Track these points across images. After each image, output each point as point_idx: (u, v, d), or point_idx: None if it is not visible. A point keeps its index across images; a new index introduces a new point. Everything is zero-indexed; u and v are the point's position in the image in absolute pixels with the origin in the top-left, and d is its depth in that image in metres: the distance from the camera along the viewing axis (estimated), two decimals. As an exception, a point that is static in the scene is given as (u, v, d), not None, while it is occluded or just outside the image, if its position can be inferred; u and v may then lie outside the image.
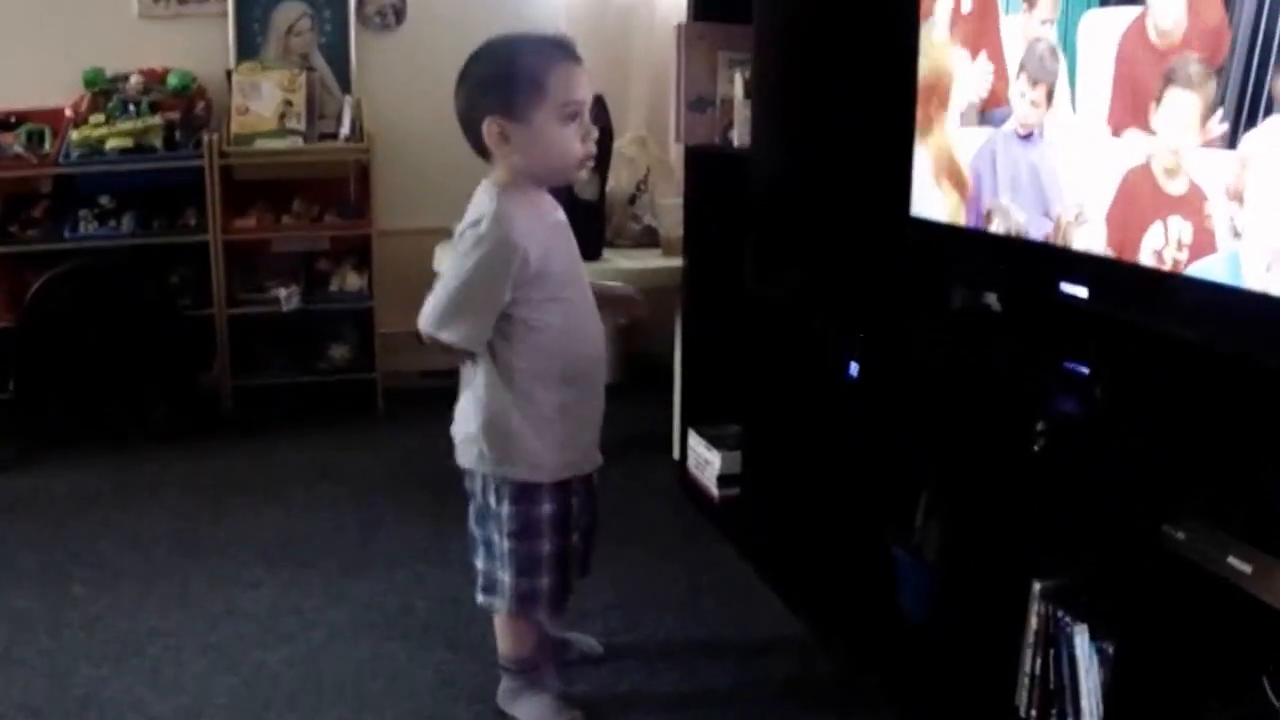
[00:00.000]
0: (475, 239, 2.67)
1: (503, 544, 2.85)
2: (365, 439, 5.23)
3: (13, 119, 5.49)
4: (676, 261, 4.62)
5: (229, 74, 5.66)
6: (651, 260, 4.88)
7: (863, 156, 3.57)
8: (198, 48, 5.72)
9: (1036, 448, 2.51)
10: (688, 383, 4.70)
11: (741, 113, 3.95)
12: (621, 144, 5.22)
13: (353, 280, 5.72)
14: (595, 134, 2.79)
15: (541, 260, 2.70)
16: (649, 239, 5.12)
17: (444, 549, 3.94)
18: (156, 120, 5.41)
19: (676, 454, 4.72)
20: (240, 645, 3.39)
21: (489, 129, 2.68)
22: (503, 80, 2.69)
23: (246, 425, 5.49)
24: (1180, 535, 2.06)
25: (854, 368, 3.32)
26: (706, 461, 4.32)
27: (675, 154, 4.66)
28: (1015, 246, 2.79)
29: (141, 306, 5.32)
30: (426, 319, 2.74)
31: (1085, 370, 2.60)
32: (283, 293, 5.58)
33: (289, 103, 5.54)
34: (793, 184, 3.72)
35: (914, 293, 3.36)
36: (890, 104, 3.32)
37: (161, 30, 5.73)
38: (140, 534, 4.16)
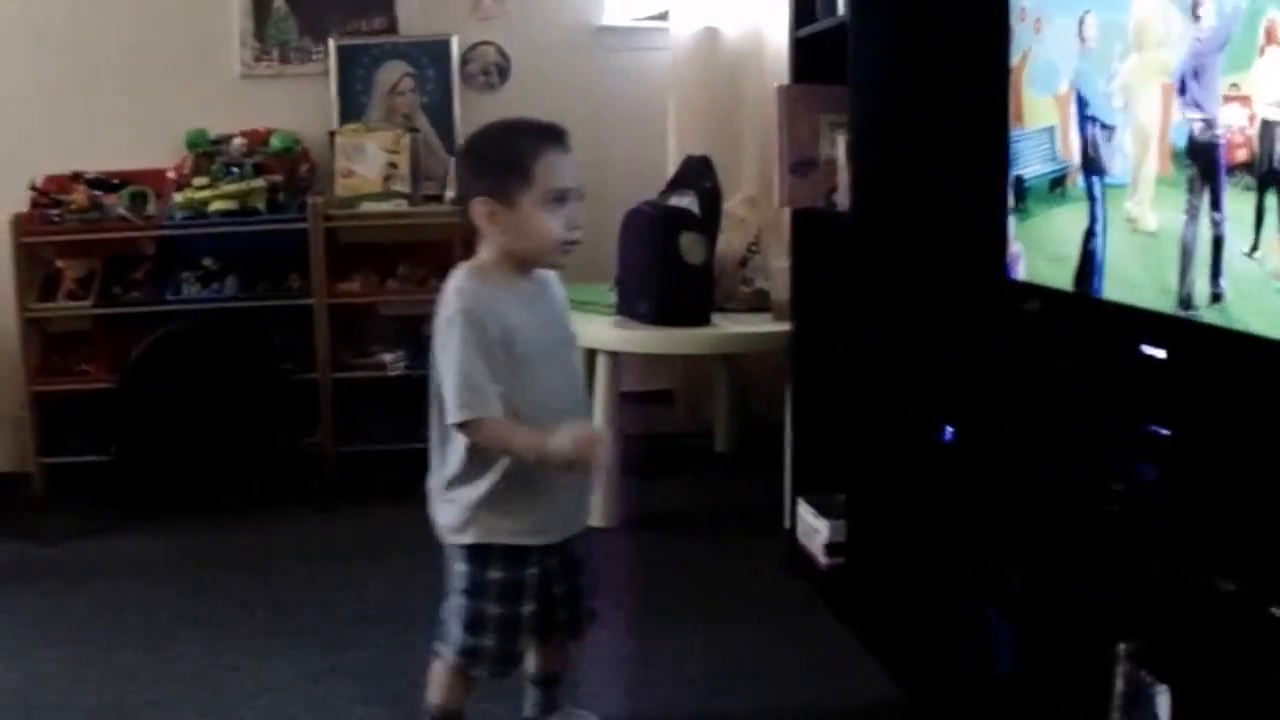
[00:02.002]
0: (446, 323, 3.00)
1: (458, 599, 3.16)
2: None
3: (116, 180, 5.83)
4: (788, 326, 4.74)
5: (332, 135, 5.99)
6: (761, 325, 5.06)
7: (960, 217, 3.81)
8: (300, 108, 6.08)
9: (1114, 508, 2.80)
10: (798, 451, 4.82)
11: (845, 175, 4.15)
12: (731, 204, 5.41)
13: (459, 346, 5.96)
14: (581, 222, 3.07)
15: (503, 331, 3.00)
16: (761, 302, 5.23)
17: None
18: (260, 182, 5.74)
19: (787, 523, 4.84)
20: (344, 702, 3.71)
21: (477, 209, 3.02)
22: (493, 164, 3.05)
23: (351, 491, 5.77)
24: (1230, 586, 2.35)
25: (949, 432, 3.59)
26: (815, 530, 4.47)
27: (788, 215, 4.81)
28: (1101, 308, 3.09)
29: (244, 370, 5.66)
30: (454, 415, 2.98)
31: (1166, 432, 2.87)
32: (388, 358, 5.89)
33: (393, 164, 5.85)
34: (892, 246, 3.95)
35: (1010, 354, 3.59)
36: (985, 162, 3.61)
37: (264, 91, 6.10)
38: (243, 595, 4.48)
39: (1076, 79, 3.16)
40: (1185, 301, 2.75)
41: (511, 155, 3.02)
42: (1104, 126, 3.05)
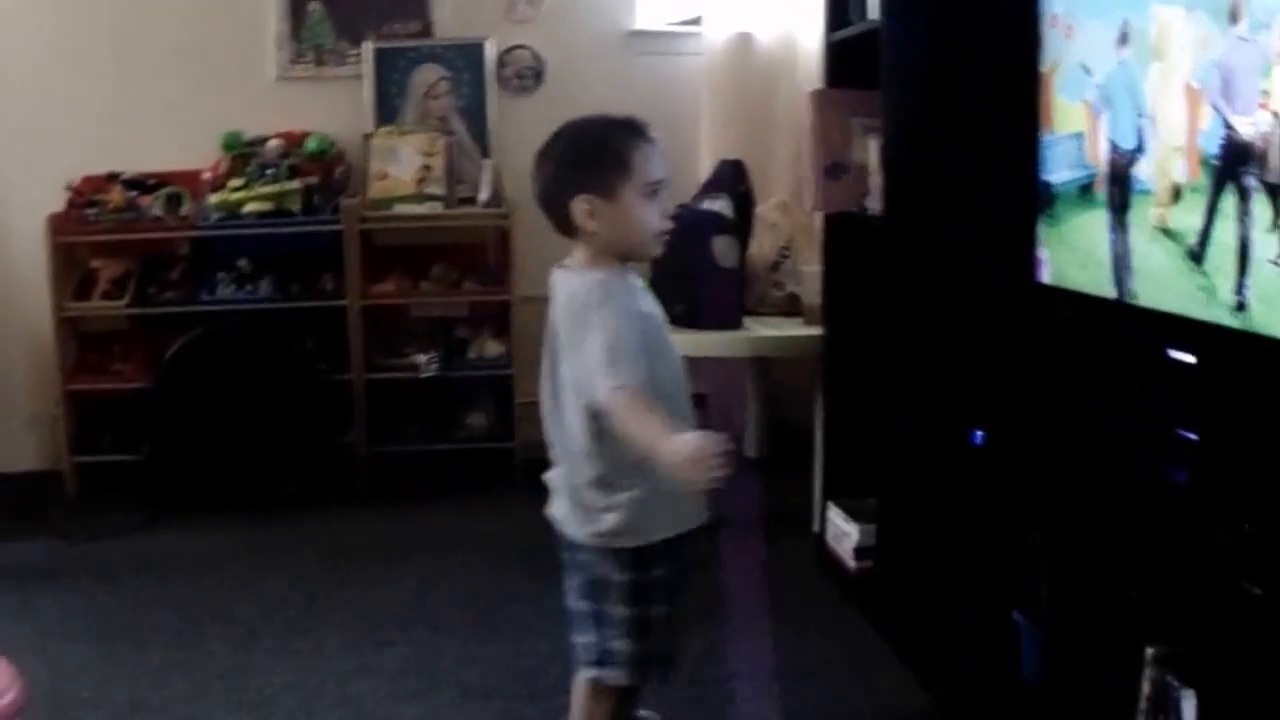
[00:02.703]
0: (586, 309, 2.91)
1: (618, 611, 3.01)
2: (502, 508, 5.45)
3: (152, 181, 5.85)
4: (819, 330, 4.75)
5: (367, 137, 6.00)
6: (793, 329, 5.07)
7: (991, 221, 3.77)
8: (336, 111, 6.10)
9: (1142, 512, 2.80)
10: (829, 455, 4.84)
11: (877, 179, 4.16)
12: (764, 209, 5.43)
13: (492, 347, 6.01)
14: (672, 210, 3.10)
15: (641, 316, 2.97)
16: (792, 307, 5.25)
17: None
18: (295, 184, 5.76)
19: (817, 526, 4.85)
20: (372, 700, 3.73)
21: (578, 207, 2.94)
22: (591, 160, 2.98)
23: (383, 491, 5.81)
24: (1257, 591, 2.35)
25: (979, 436, 3.59)
26: (845, 534, 4.47)
27: (820, 219, 4.83)
28: (1130, 312, 3.09)
29: (278, 371, 5.67)
30: (608, 382, 2.81)
31: (1194, 436, 2.87)
32: (421, 359, 5.89)
33: (428, 167, 5.86)
34: (923, 250, 3.94)
35: (1040, 358, 3.59)
36: (1016, 167, 3.60)
37: (299, 93, 6.13)
38: (275, 594, 4.49)
39: (1104, 85, 3.16)
40: (1212, 307, 2.75)
41: (609, 149, 2.98)
42: (1132, 133, 3.06)
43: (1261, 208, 2.55)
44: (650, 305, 3.06)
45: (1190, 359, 2.89)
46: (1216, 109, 2.69)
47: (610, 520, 2.96)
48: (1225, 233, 2.69)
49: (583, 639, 3.10)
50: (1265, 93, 2.52)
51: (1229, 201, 2.66)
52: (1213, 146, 2.70)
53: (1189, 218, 2.82)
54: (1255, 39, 2.55)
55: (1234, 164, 2.63)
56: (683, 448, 2.66)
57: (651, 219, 2.99)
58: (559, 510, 3.11)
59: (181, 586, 4.66)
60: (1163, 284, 2.94)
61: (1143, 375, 3.10)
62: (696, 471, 2.65)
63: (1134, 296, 3.08)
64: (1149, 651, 2.81)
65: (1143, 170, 3.01)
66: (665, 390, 2.96)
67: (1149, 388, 3.06)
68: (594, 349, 2.87)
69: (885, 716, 3.68)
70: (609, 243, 2.99)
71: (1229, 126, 2.65)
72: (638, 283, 3.09)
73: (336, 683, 3.85)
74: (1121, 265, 3.13)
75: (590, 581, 3.07)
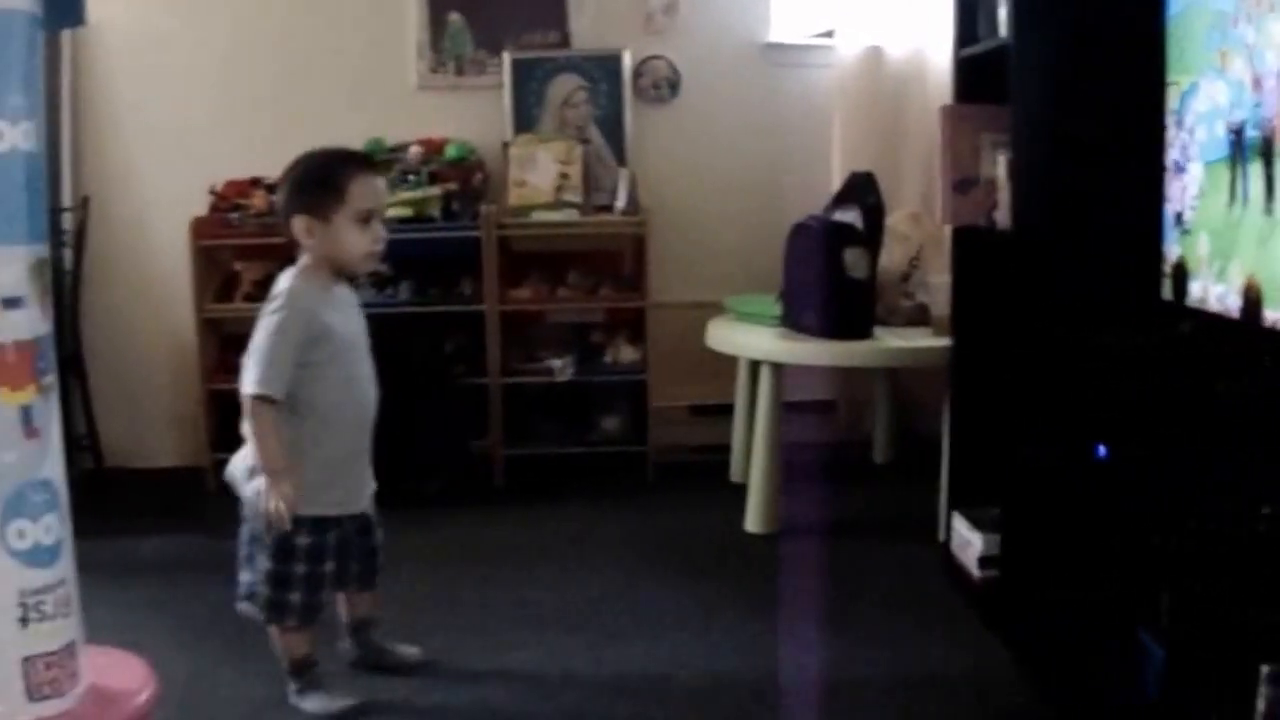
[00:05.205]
0: (273, 312, 3.50)
1: (264, 563, 3.61)
2: (634, 511, 5.55)
3: (295, 187, 5.95)
4: (947, 341, 4.76)
5: (506, 145, 6.08)
6: (922, 339, 5.07)
7: (1121, 237, 3.77)
8: (475, 119, 6.19)
9: (1261, 529, 2.79)
10: (955, 464, 4.84)
11: (1005, 194, 4.16)
12: (894, 220, 5.44)
13: (627, 352, 6.07)
14: (384, 234, 3.57)
15: (324, 327, 3.53)
16: (922, 317, 5.26)
17: (707, 621, 4.27)
18: (435, 190, 5.85)
19: (942, 534, 4.86)
20: (505, 700, 3.78)
21: (296, 225, 3.55)
22: (312, 186, 3.55)
23: (518, 493, 5.88)
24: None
25: (1102, 450, 3.58)
26: (968, 542, 4.47)
27: (949, 231, 4.79)
28: (1259, 331, 3.07)
29: (417, 373, 5.72)
30: (247, 383, 3.50)
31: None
32: (556, 363, 5.97)
33: (565, 175, 5.94)
34: (1051, 264, 3.92)
35: (1166, 375, 3.56)
36: (1145, 183, 3.59)
37: (440, 102, 6.23)
38: (408, 595, 4.50)
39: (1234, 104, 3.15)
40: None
41: (329, 179, 3.54)
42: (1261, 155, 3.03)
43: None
44: (343, 324, 3.63)
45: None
46: None
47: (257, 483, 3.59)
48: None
49: (243, 576, 3.73)
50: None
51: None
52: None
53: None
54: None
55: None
56: (267, 499, 3.48)
57: (361, 242, 3.56)
58: (235, 469, 3.77)
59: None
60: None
61: (1268, 393, 3.08)
62: (268, 514, 3.47)
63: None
64: (1264, 669, 2.81)
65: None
66: (330, 403, 3.61)
67: (1273, 409, 3.05)
68: (254, 344, 3.50)
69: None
70: (323, 257, 3.58)
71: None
72: (345, 297, 3.71)
73: (470, 683, 3.89)
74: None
75: (251, 531, 3.70)
